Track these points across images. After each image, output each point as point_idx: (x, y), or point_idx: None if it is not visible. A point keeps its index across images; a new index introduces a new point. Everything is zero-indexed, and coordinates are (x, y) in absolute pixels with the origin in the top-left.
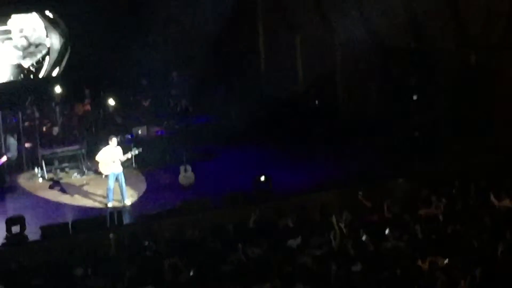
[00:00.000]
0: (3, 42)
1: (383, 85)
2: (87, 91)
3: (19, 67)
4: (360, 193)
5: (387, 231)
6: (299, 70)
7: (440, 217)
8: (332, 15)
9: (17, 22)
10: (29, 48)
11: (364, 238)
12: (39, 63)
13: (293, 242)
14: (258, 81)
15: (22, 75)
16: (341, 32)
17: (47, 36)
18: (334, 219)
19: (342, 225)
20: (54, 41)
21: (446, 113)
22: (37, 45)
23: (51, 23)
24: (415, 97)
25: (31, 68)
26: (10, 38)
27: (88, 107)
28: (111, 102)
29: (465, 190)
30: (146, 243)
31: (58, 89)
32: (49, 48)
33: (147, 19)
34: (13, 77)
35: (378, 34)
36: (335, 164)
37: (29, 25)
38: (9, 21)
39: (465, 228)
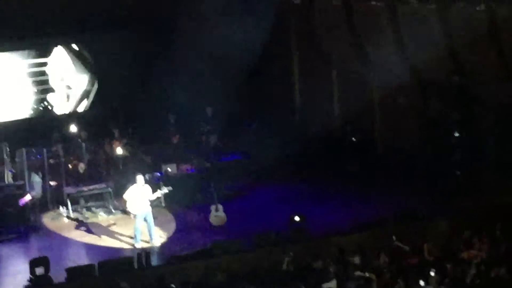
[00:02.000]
0: (30, 76)
1: (422, 121)
2: (116, 130)
3: (44, 102)
4: (394, 237)
5: (429, 273)
6: (335, 105)
7: (483, 260)
8: (370, 49)
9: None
10: (54, 83)
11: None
12: (65, 99)
13: (328, 286)
14: (293, 117)
15: (47, 111)
16: (378, 66)
17: (73, 70)
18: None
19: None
20: (81, 75)
21: (489, 150)
22: (63, 80)
23: (78, 57)
24: (456, 134)
25: (56, 103)
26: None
27: (117, 145)
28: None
29: (509, 231)
30: (174, 286)
31: (84, 126)
32: (75, 83)
33: (177, 53)
34: (38, 113)
35: (417, 68)
36: (372, 202)
37: (55, 59)
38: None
39: (509, 272)
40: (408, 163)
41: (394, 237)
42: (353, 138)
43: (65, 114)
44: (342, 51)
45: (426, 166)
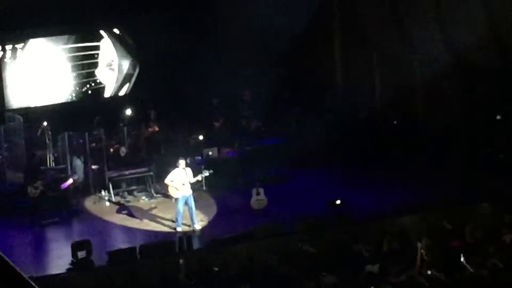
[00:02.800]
0: (72, 60)
1: (465, 104)
2: (154, 112)
3: (86, 86)
4: (445, 221)
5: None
6: (376, 88)
7: None
8: (412, 31)
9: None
10: (96, 67)
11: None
12: (107, 83)
13: (371, 269)
14: (334, 100)
15: (89, 95)
16: (421, 49)
17: (115, 54)
18: (418, 245)
19: (423, 252)
20: (122, 59)
21: None
22: (105, 64)
23: (119, 41)
24: (498, 117)
25: (98, 87)
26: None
27: (155, 128)
28: (181, 123)
29: None
30: (216, 269)
31: (125, 109)
32: (117, 67)
33: (218, 37)
34: (80, 97)
35: (460, 51)
36: (414, 186)
37: (97, 44)
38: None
39: None
40: (451, 146)
41: (445, 221)
42: (395, 122)
43: (107, 98)
44: (385, 33)
45: (469, 149)
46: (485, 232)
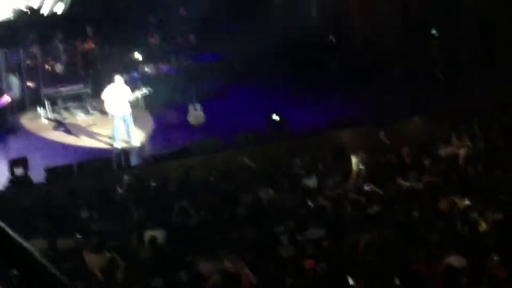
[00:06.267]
0: None
1: (402, 19)
2: (90, 29)
3: (20, 3)
4: (383, 133)
5: (404, 173)
6: (312, 4)
7: (461, 157)
8: None
9: None
10: None
11: (379, 179)
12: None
13: (308, 183)
14: (271, 16)
15: (24, 12)
16: None
17: None
18: (351, 159)
19: (358, 166)
20: None
21: (466, 49)
22: None
23: None
24: (434, 32)
25: (33, 5)
26: None
27: (91, 44)
28: (118, 39)
29: (487, 128)
30: (154, 185)
31: (61, 27)
32: None
33: None
34: (15, 15)
35: None
36: (351, 101)
37: None
38: None
39: (487, 168)
40: (387, 62)
41: (382, 133)
42: (332, 37)
43: (42, 15)
44: None
45: (405, 64)
46: (421, 147)
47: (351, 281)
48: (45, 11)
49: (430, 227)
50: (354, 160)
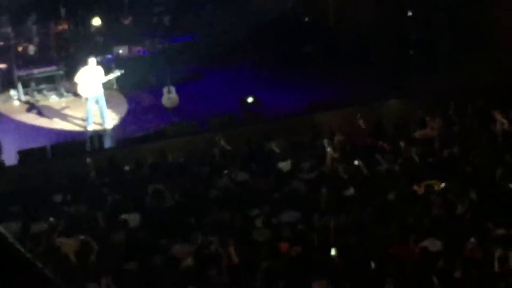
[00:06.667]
0: None
1: (380, 4)
2: (63, 10)
3: None
4: (358, 115)
5: (380, 155)
6: None
7: (436, 140)
8: None
9: None
10: None
11: (356, 161)
12: None
13: (283, 166)
14: None
15: None
16: None
17: None
18: (325, 142)
19: (334, 148)
20: None
21: (442, 31)
22: None
23: None
24: (410, 13)
25: None
26: None
27: (64, 26)
28: (90, 20)
29: (462, 111)
30: (128, 168)
31: (34, 8)
32: None
33: None
34: None
35: None
36: (327, 84)
37: None
38: None
39: (462, 150)
40: (362, 44)
41: (358, 115)
42: (306, 18)
43: None
44: None
45: (380, 46)
46: (396, 129)
47: (333, 252)
48: None
49: (406, 210)
50: (329, 142)
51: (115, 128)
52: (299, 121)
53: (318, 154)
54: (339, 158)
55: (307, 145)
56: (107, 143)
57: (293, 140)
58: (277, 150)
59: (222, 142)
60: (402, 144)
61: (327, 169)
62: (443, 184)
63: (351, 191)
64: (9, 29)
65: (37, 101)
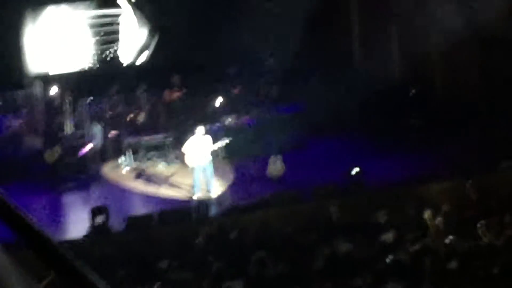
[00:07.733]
0: (92, 27)
1: (484, 75)
2: (176, 78)
3: (105, 53)
4: (470, 181)
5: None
6: (395, 58)
7: None
8: (431, 1)
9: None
10: (115, 34)
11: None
12: (126, 50)
13: (387, 237)
14: (352, 69)
15: (108, 62)
16: (440, 19)
17: (134, 22)
18: (429, 214)
19: (438, 221)
20: (141, 26)
21: None
22: (124, 32)
23: (137, 8)
24: None
25: (117, 55)
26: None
27: (177, 94)
28: (200, 90)
29: None
30: (233, 236)
31: (144, 77)
32: (135, 35)
33: (238, 5)
34: (99, 64)
35: (479, 21)
36: (433, 154)
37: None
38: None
39: None
40: (469, 115)
41: (469, 181)
42: (413, 90)
43: (125, 65)
44: (403, 4)
45: (487, 120)
46: (500, 202)
47: None
48: (127, 61)
49: (510, 285)
50: (426, 214)
51: (221, 196)
52: (404, 192)
53: (423, 225)
54: (443, 230)
55: (411, 216)
56: (213, 211)
57: (398, 211)
58: (382, 221)
59: (332, 209)
60: (507, 218)
61: (431, 241)
62: None
63: (454, 264)
64: (120, 98)
65: (145, 168)
